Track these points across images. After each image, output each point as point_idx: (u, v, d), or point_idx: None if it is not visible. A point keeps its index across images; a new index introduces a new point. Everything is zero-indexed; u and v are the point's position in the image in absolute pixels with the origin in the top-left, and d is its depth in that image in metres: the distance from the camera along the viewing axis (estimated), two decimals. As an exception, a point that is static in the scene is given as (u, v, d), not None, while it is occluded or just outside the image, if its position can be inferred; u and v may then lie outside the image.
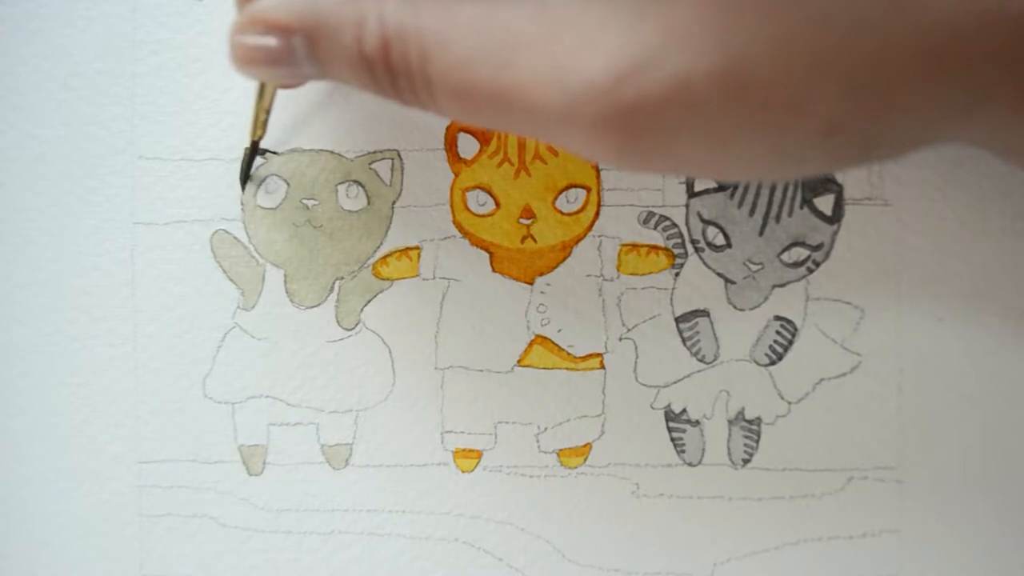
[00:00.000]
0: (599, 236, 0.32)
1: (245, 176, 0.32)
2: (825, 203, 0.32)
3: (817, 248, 0.32)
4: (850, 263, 0.32)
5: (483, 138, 0.32)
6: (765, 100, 0.21)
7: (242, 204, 0.33)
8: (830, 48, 0.20)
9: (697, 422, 0.33)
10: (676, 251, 0.32)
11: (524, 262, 0.32)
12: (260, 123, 0.31)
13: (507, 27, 0.22)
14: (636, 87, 0.21)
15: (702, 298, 0.32)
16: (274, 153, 0.33)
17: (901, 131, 0.22)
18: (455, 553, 0.33)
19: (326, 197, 0.33)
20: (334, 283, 0.33)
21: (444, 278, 0.33)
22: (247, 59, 0.26)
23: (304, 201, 0.33)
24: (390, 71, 0.23)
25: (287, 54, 0.25)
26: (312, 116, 0.32)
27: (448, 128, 0.32)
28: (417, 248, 0.33)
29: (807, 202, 0.32)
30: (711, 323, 0.32)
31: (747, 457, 0.33)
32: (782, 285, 0.32)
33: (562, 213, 0.32)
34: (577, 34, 0.21)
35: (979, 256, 0.32)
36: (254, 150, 0.32)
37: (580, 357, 0.33)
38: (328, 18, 0.24)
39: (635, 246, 0.32)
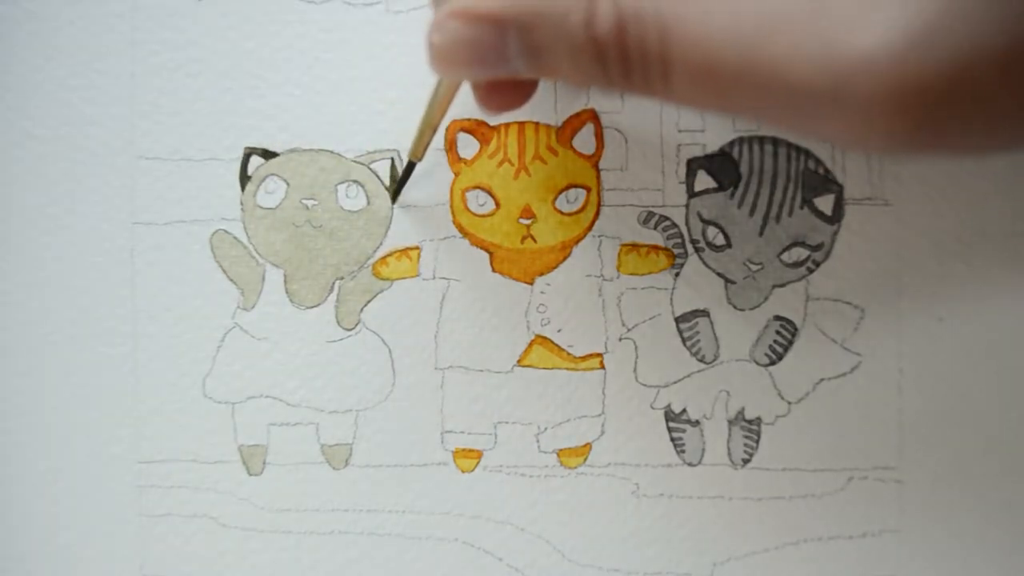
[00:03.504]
0: (599, 236, 0.32)
1: (396, 194, 0.32)
2: (825, 203, 0.32)
3: (817, 248, 0.32)
4: (850, 263, 0.32)
5: (483, 138, 0.32)
6: None
7: (242, 204, 0.33)
8: None
9: (697, 422, 0.33)
10: (676, 251, 0.32)
11: (524, 262, 0.32)
12: (424, 143, 0.30)
13: (761, 1, 0.20)
14: (919, 63, 0.19)
15: (702, 298, 0.32)
16: (274, 153, 0.33)
17: None
18: (455, 553, 0.33)
19: (326, 197, 0.33)
20: (334, 283, 0.33)
21: (444, 278, 0.33)
22: (450, 58, 0.24)
23: (304, 201, 0.33)
24: (623, 55, 0.22)
25: (498, 48, 0.23)
26: (312, 116, 0.32)
27: (448, 128, 0.32)
28: (417, 248, 0.33)
29: (807, 202, 0.32)
30: (711, 323, 0.32)
31: (747, 457, 0.33)
32: (782, 285, 0.32)
33: (562, 213, 0.32)
34: (845, 6, 0.20)
35: (979, 256, 0.32)
36: (410, 170, 0.31)
37: (580, 357, 0.33)
38: (551, 2, 0.22)
39: (635, 246, 0.32)
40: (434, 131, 0.30)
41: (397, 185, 0.32)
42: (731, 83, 0.21)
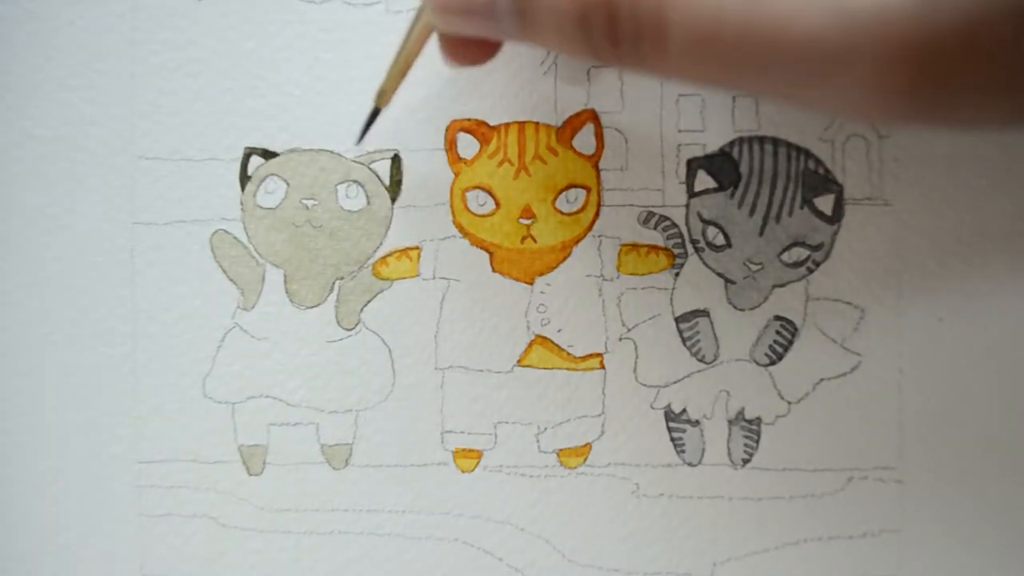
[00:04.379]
0: (599, 236, 0.32)
1: (361, 137, 0.32)
2: (825, 203, 0.32)
3: (817, 248, 0.32)
4: (850, 263, 0.32)
5: (483, 138, 0.32)
6: None
7: (242, 204, 0.33)
8: None
9: (697, 422, 0.33)
10: (676, 251, 0.32)
11: (524, 262, 0.32)
12: (390, 89, 0.30)
13: None
14: (936, 13, 0.18)
15: (702, 298, 0.32)
16: (274, 153, 0.33)
17: None
18: (455, 553, 0.33)
19: (326, 197, 0.33)
20: (334, 283, 0.33)
21: (444, 278, 0.33)
22: (444, 7, 0.24)
23: (304, 201, 0.33)
24: (612, 23, 0.21)
25: (486, 4, 0.23)
26: (312, 116, 0.32)
27: (448, 128, 0.32)
28: (417, 248, 0.33)
29: (807, 202, 0.32)
30: (711, 323, 0.32)
31: (747, 457, 0.33)
32: (782, 285, 0.32)
33: (562, 213, 0.32)
34: None
35: (979, 256, 0.32)
36: (374, 116, 0.31)
37: (580, 357, 0.33)
38: None
39: (635, 246, 0.32)
40: (402, 77, 0.30)
41: (362, 129, 0.31)
42: (733, 46, 0.20)
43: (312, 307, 0.33)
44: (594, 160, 0.32)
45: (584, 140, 0.32)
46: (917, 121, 0.21)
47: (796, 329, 0.32)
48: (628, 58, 0.22)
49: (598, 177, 0.32)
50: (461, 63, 0.28)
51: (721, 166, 0.32)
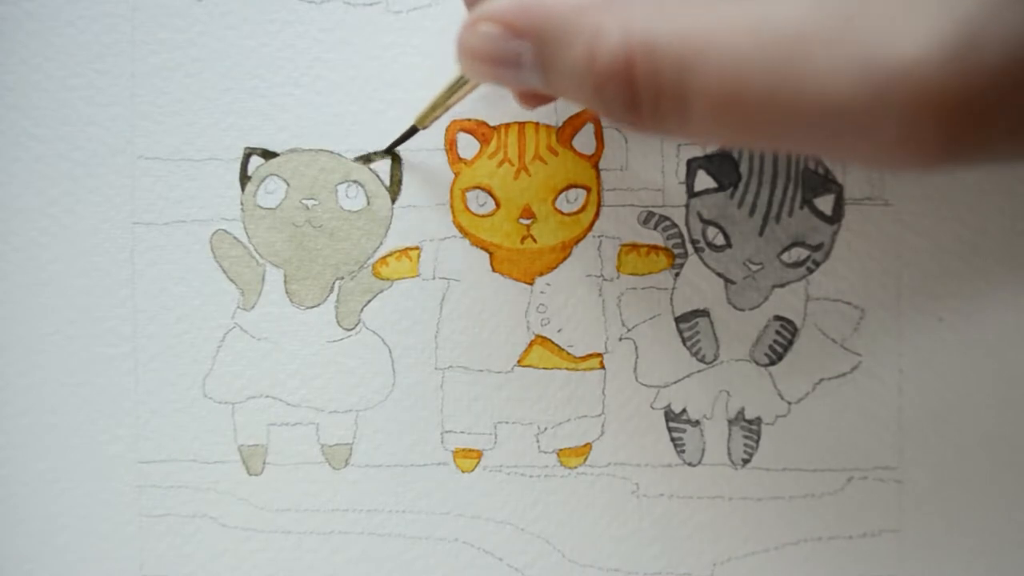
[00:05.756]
0: (599, 236, 0.32)
1: (392, 147, 0.32)
2: (825, 203, 0.32)
3: (817, 248, 0.32)
4: (850, 263, 0.32)
5: (483, 138, 0.32)
6: None
7: (242, 204, 0.33)
8: None
9: (697, 422, 0.33)
10: (676, 251, 0.32)
11: (524, 262, 0.32)
12: (433, 116, 0.30)
13: (786, 19, 0.19)
14: (966, 66, 0.18)
15: (702, 298, 0.32)
16: (274, 153, 0.33)
17: None
18: (455, 553, 0.33)
19: (326, 197, 0.33)
20: (334, 283, 0.33)
21: (444, 278, 0.33)
22: (472, 55, 0.24)
23: (304, 201, 0.33)
24: (630, 91, 0.21)
25: (512, 57, 0.23)
26: (312, 116, 0.32)
27: (448, 128, 0.32)
28: (417, 248, 0.33)
29: (807, 202, 0.32)
30: (711, 323, 0.32)
31: (747, 457, 0.33)
32: (782, 285, 0.32)
33: (562, 213, 0.32)
34: (881, 12, 0.18)
35: (979, 256, 0.32)
36: (411, 133, 0.31)
37: (580, 357, 0.33)
38: (559, 25, 0.21)
39: (635, 246, 0.32)
40: (446, 109, 0.30)
41: (395, 141, 0.32)
42: (757, 111, 0.19)
43: (312, 307, 0.33)
44: (594, 160, 0.32)
45: (584, 140, 0.32)
46: (953, 166, 0.20)
47: (796, 329, 0.32)
48: (648, 123, 0.21)
49: (598, 177, 0.32)
50: (530, 106, 0.29)
51: (721, 166, 0.32)
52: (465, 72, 0.25)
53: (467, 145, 0.32)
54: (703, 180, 0.32)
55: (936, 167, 0.20)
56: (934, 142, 0.19)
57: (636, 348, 0.32)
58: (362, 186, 0.32)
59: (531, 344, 0.33)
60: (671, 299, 0.32)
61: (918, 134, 0.19)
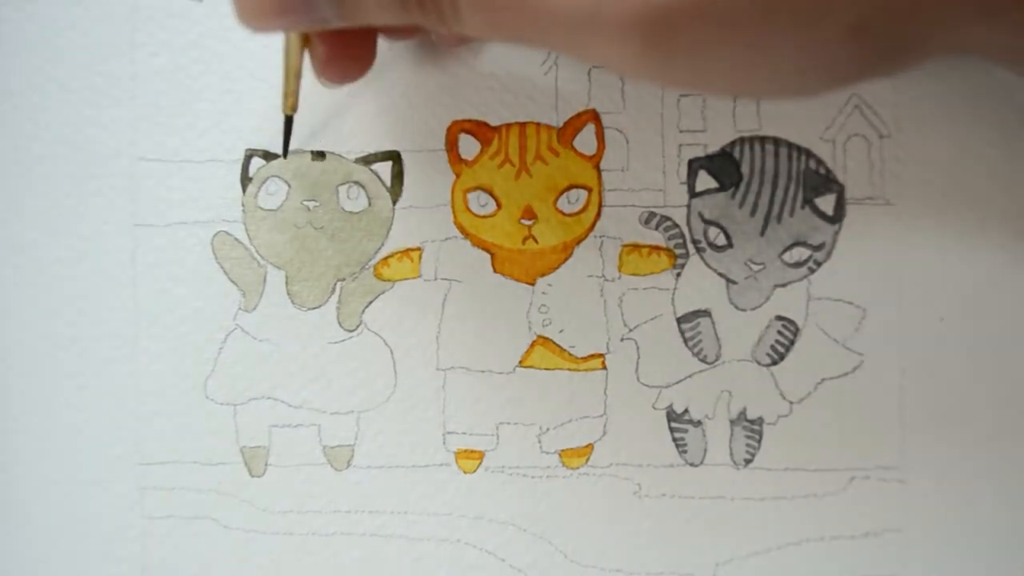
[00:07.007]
0: (600, 237, 0.32)
1: (285, 150, 0.32)
2: (826, 203, 0.32)
3: (818, 248, 0.32)
4: (851, 263, 0.32)
5: (484, 139, 0.32)
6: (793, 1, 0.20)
7: (243, 206, 0.33)
8: None
9: (699, 422, 0.33)
10: (677, 251, 0.32)
11: (525, 263, 0.32)
12: (291, 93, 0.30)
13: None
14: None
15: (704, 298, 0.32)
16: (274, 155, 0.33)
17: (924, 33, 0.22)
18: (457, 554, 0.33)
19: (327, 198, 0.33)
20: (335, 284, 0.33)
21: (445, 279, 0.33)
22: (255, 10, 0.24)
23: (305, 202, 0.33)
24: None
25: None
26: (313, 117, 0.32)
27: (449, 129, 0.32)
28: (418, 249, 0.33)
29: (808, 202, 0.32)
30: (713, 323, 0.32)
31: (749, 457, 0.33)
32: (783, 285, 0.32)
33: (563, 214, 0.32)
34: None
35: (980, 256, 0.32)
36: (288, 125, 0.31)
37: (582, 358, 0.33)
38: None
39: (636, 246, 0.32)
40: (296, 79, 0.29)
41: (284, 142, 0.31)
42: (504, 11, 0.22)
43: (314, 308, 0.33)
44: (595, 160, 0.32)
45: (585, 140, 0.32)
46: (667, 81, 0.23)
47: (798, 329, 0.32)
48: (434, 21, 0.23)
49: (599, 177, 0.32)
50: (334, 80, 0.29)
51: (722, 166, 0.32)
52: (251, 28, 0.24)
53: (468, 146, 0.32)
54: (704, 180, 0.32)
55: (648, 78, 0.24)
56: (634, 54, 0.22)
57: (638, 348, 0.32)
58: (363, 187, 0.32)
59: (533, 345, 0.33)
60: (672, 299, 0.32)
61: (621, 45, 0.21)
